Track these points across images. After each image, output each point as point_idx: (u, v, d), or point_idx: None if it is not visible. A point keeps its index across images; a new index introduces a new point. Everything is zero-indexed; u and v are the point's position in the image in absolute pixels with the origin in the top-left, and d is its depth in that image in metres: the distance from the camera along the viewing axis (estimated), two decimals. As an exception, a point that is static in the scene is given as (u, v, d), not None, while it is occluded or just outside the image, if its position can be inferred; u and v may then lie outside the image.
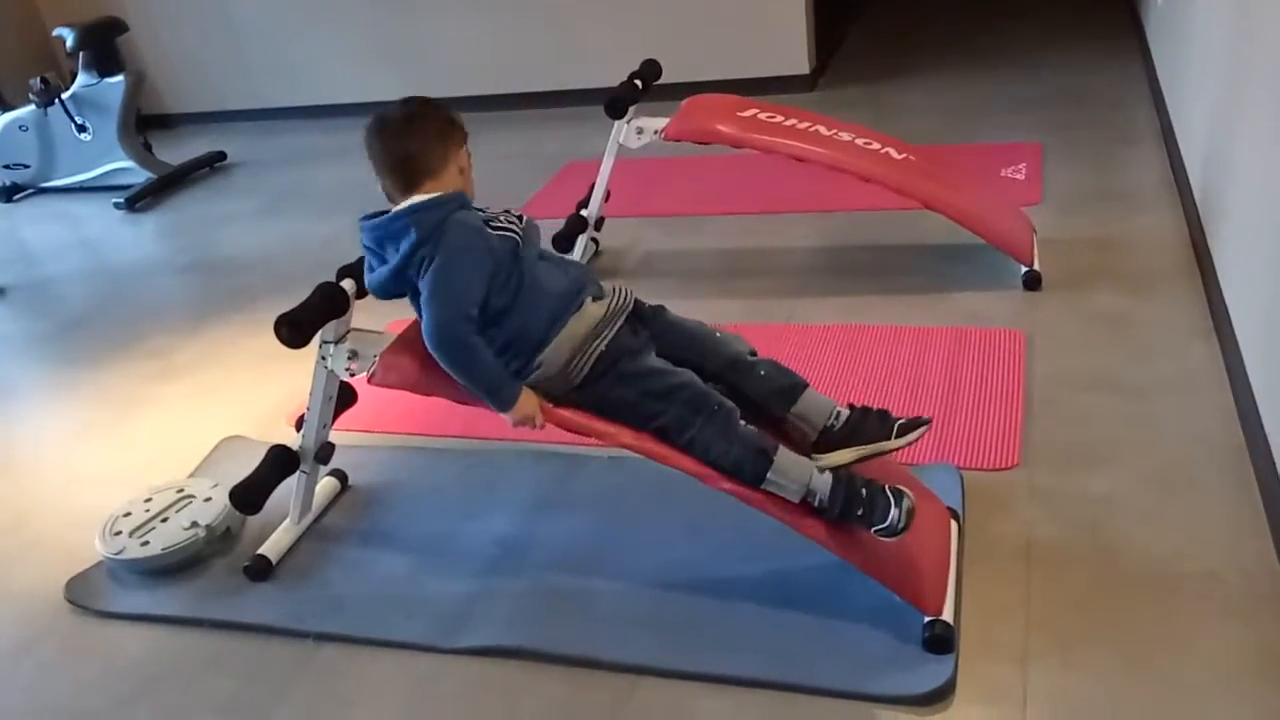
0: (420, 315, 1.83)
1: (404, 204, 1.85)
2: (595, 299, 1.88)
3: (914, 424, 1.78)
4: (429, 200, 1.84)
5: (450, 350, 1.78)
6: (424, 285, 1.80)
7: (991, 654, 1.69)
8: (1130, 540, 1.89)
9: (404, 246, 1.81)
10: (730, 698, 1.69)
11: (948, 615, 1.70)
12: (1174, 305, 2.61)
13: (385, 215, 1.85)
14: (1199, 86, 3.07)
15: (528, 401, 1.81)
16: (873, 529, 1.69)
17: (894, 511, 1.67)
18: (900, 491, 1.69)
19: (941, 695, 1.62)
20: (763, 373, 1.84)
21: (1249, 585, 1.76)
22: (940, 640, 1.67)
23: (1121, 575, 1.81)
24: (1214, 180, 2.72)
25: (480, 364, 1.79)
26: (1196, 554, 1.84)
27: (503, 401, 1.80)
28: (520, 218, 1.93)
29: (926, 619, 1.69)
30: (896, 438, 1.77)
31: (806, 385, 1.83)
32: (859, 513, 1.69)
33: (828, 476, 1.71)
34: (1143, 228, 3.05)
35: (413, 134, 1.87)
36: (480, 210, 1.91)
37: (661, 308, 1.94)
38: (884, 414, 1.81)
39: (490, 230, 1.85)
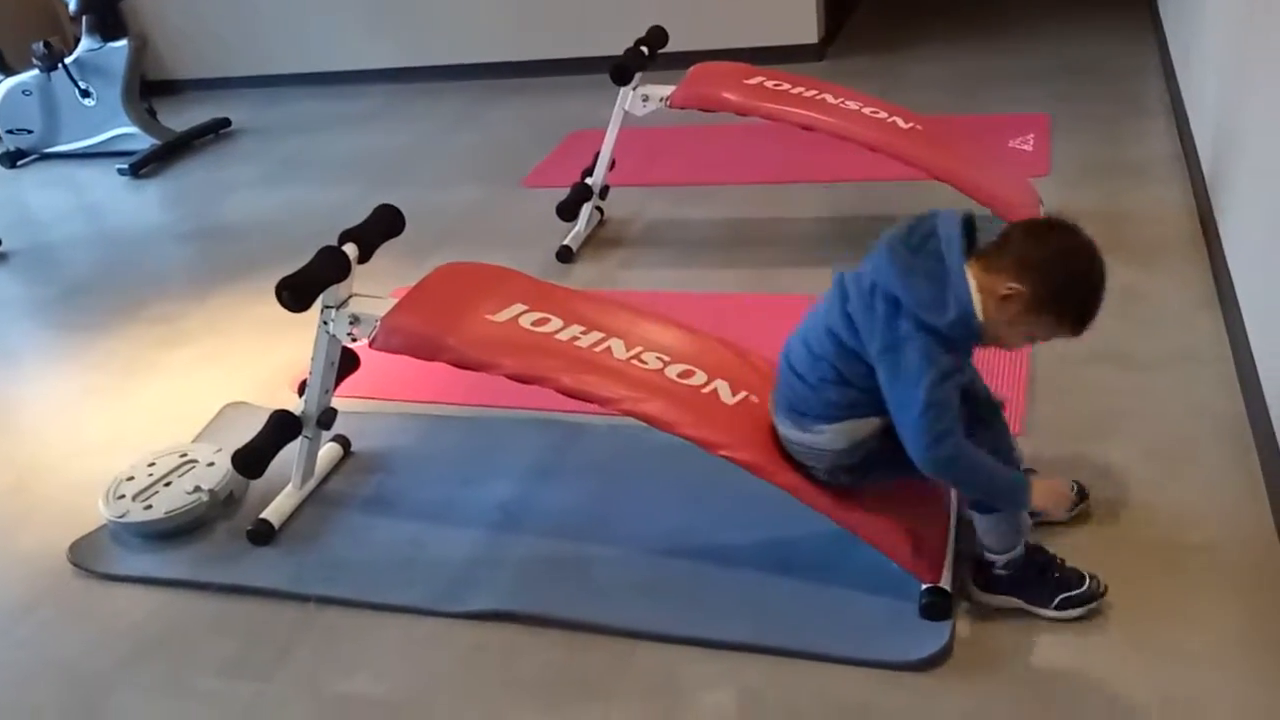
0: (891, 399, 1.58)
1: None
2: None
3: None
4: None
5: (946, 458, 1.55)
6: (903, 386, 1.54)
7: (988, 620, 1.70)
8: (1131, 511, 1.89)
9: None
10: (727, 662, 1.70)
11: (945, 583, 1.71)
12: (1180, 277, 2.60)
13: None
14: (1210, 59, 3.04)
15: (1044, 487, 1.64)
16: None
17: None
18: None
19: (937, 661, 1.63)
20: None
21: (1248, 556, 1.76)
22: (937, 607, 1.68)
23: (1122, 545, 1.82)
24: (1222, 153, 2.69)
25: (979, 466, 1.58)
26: (1197, 524, 1.84)
27: (1020, 498, 1.61)
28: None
29: (924, 586, 1.70)
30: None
31: None
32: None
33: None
34: (1150, 200, 3.03)
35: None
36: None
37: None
38: None
39: None
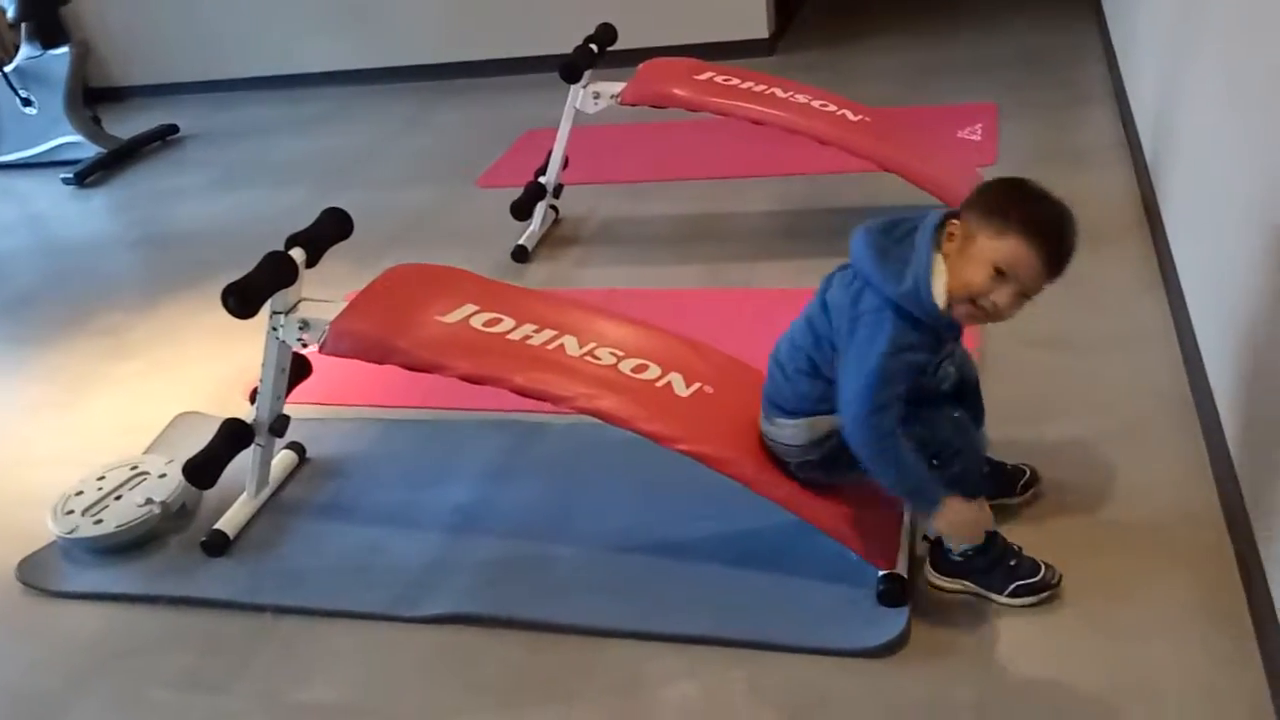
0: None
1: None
2: None
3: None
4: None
5: (869, 439, 1.56)
6: (851, 357, 1.57)
7: (944, 605, 1.72)
8: (1080, 492, 1.92)
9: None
10: (688, 656, 1.70)
11: (901, 569, 1.72)
12: (1125, 261, 2.64)
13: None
14: (1149, 45, 3.09)
15: (963, 509, 1.59)
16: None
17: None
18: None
19: (895, 647, 1.65)
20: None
21: (1196, 533, 1.79)
22: (893, 593, 1.69)
23: (1072, 526, 1.84)
24: (1163, 138, 2.74)
25: (900, 460, 1.56)
26: (1144, 503, 1.87)
27: (929, 502, 1.60)
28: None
29: (880, 573, 1.71)
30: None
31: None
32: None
33: None
34: (1095, 185, 3.07)
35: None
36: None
37: None
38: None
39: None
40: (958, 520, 1.60)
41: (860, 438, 1.56)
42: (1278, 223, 1.63)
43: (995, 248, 1.49)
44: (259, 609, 1.93)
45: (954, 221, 1.55)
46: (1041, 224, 1.50)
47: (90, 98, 4.85)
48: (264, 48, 5.34)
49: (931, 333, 1.56)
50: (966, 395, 1.78)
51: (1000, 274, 1.50)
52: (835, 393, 1.62)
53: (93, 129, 4.67)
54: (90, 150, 4.58)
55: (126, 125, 4.89)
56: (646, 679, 1.68)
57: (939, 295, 1.52)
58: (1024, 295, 1.52)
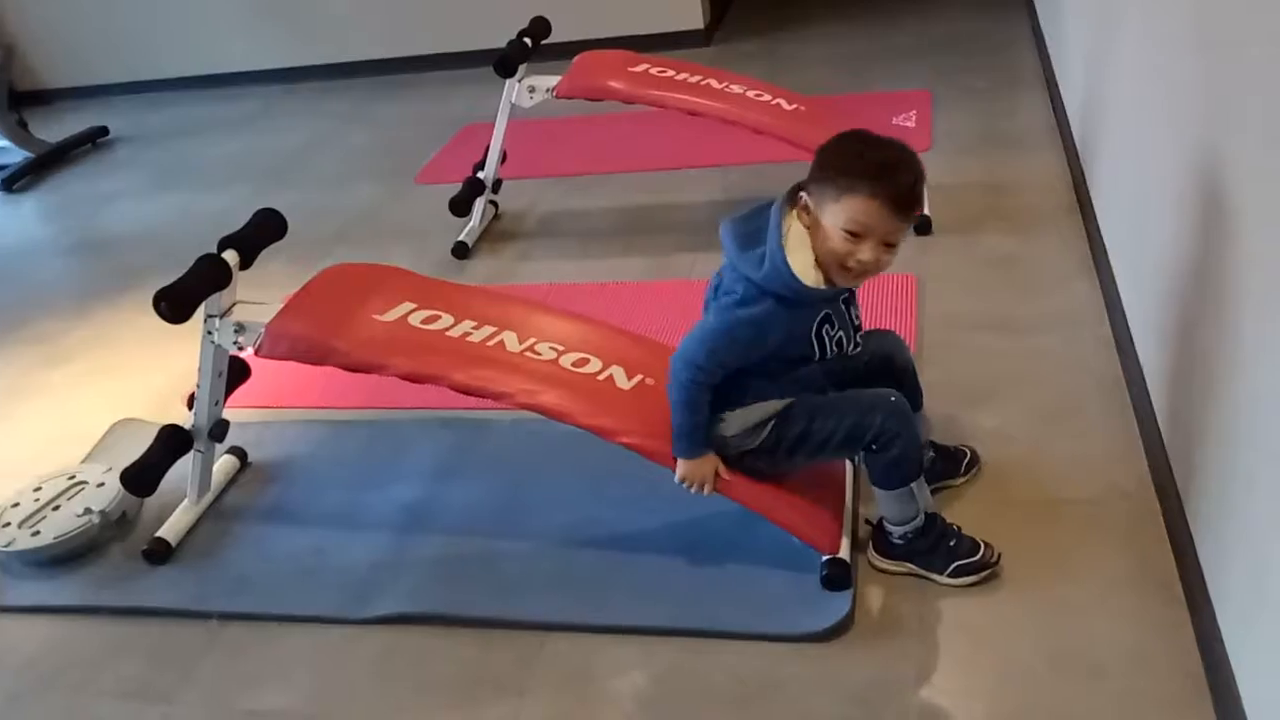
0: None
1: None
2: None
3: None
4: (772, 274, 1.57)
5: (682, 382, 1.66)
6: (710, 317, 1.67)
7: (888, 586, 1.75)
8: (1019, 471, 1.96)
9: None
10: (637, 647, 1.72)
11: (844, 553, 1.75)
12: (1057, 243, 2.70)
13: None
14: (1076, 28, 3.15)
15: (704, 464, 1.73)
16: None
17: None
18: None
19: (841, 630, 1.67)
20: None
21: (1128, 507, 1.84)
22: (837, 578, 1.72)
23: (1011, 504, 1.88)
24: (1090, 121, 2.80)
25: (691, 412, 1.68)
26: (1080, 480, 1.92)
27: (683, 451, 1.72)
28: (858, 344, 1.74)
29: (824, 558, 1.73)
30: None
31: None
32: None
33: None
34: (1028, 169, 3.13)
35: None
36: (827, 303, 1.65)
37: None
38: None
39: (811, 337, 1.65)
40: (693, 470, 1.73)
41: (675, 379, 1.66)
42: (1201, 206, 1.68)
43: (839, 212, 1.52)
44: (204, 616, 1.91)
45: (802, 194, 1.58)
46: (874, 175, 1.51)
47: (16, 101, 4.72)
48: (194, 46, 5.24)
49: (807, 305, 1.60)
50: (903, 380, 1.81)
51: (854, 235, 1.53)
52: (751, 383, 1.68)
53: (19, 133, 4.55)
54: (18, 155, 4.47)
55: (55, 128, 4.78)
56: (597, 671, 1.69)
57: (801, 270, 1.55)
58: (887, 244, 1.54)
